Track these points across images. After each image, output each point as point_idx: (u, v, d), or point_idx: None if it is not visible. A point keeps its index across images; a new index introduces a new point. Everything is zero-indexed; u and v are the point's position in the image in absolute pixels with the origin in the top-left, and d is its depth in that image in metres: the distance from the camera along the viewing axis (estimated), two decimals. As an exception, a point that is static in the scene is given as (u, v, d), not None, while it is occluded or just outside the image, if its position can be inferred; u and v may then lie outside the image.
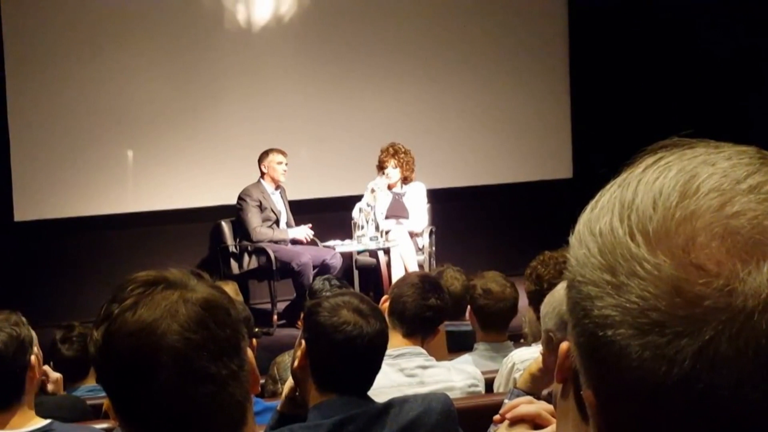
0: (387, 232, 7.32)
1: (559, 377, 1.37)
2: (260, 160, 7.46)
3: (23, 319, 2.46)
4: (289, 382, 2.41)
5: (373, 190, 7.29)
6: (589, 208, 0.68)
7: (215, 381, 1.18)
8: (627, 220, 0.63)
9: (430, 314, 3.23)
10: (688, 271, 0.60)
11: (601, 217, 0.66)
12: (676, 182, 0.63)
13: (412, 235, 7.48)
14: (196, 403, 1.18)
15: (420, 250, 7.50)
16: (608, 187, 0.68)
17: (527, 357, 3.11)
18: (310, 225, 7.46)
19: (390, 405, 2.25)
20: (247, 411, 1.23)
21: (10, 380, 2.34)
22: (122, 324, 1.19)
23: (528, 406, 1.60)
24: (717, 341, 0.58)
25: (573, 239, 0.68)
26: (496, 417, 1.63)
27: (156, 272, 1.23)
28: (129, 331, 1.18)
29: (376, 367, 2.37)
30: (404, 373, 3.03)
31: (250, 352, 1.26)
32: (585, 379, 0.67)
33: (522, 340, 4.08)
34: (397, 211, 7.52)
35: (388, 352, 3.00)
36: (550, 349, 2.20)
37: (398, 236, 7.34)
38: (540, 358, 2.49)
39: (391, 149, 7.49)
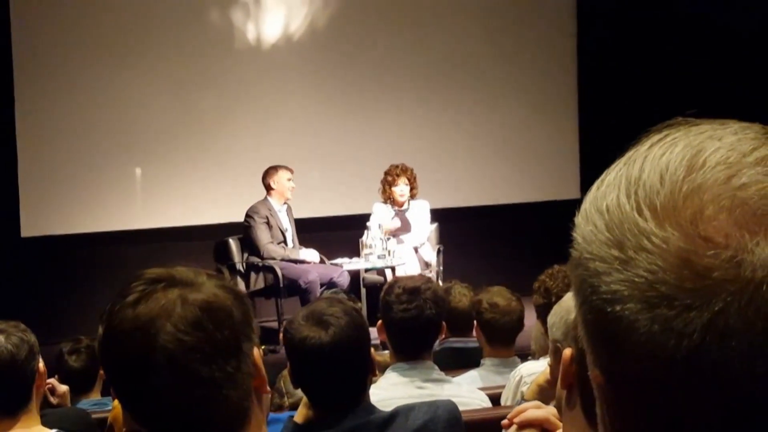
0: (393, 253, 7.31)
1: (564, 383, 1.37)
2: (266, 176, 7.41)
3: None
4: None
5: (380, 226, 7.30)
6: (594, 186, 0.68)
7: (207, 384, 1.17)
8: (634, 195, 0.63)
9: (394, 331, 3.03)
10: (696, 243, 0.60)
11: (607, 194, 0.65)
12: (682, 157, 0.63)
13: (414, 250, 7.51)
14: (189, 405, 1.17)
15: (427, 268, 7.50)
16: (614, 165, 0.68)
17: (535, 370, 3.09)
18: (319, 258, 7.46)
19: (396, 413, 2.22)
20: (248, 411, 1.21)
21: (20, 385, 2.33)
22: (121, 320, 1.19)
23: (536, 410, 1.60)
24: (726, 313, 0.58)
25: (579, 218, 0.68)
26: (505, 422, 1.62)
27: (164, 269, 1.23)
28: (125, 329, 1.18)
29: (352, 376, 2.22)
30: (414, 385, 2.98)
31: (257, 352, 1.24)
32: (592, 358, 0.67)
33: (530, 357, 4.07)
34: (400, 225, 7.53)
35: (399, 365, 2.99)
36: (558, 359, 2.19)
37: (403, 255, 7.35)
38: (548, 369, 2.48)
39: (400, 166, 7.57)
